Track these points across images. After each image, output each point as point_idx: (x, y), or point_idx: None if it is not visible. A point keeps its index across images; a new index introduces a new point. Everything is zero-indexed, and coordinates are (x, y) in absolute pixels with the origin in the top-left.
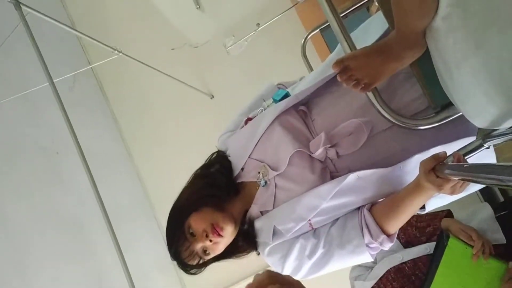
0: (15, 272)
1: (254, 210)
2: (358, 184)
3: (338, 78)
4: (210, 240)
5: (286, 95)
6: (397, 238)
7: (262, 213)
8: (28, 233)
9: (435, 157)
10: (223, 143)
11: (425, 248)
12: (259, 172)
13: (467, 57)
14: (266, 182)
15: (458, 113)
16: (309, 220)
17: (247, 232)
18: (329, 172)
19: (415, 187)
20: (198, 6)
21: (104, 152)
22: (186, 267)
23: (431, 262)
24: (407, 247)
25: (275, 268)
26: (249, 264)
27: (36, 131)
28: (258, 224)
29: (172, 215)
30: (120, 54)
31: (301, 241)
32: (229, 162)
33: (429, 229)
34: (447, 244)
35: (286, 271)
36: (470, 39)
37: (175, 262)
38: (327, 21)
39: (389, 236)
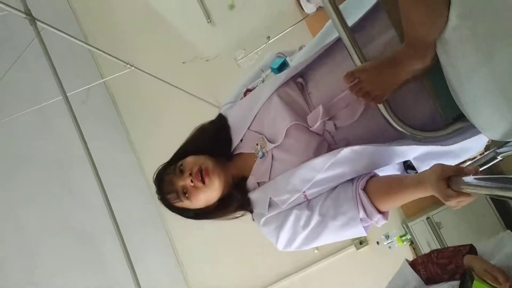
0: (27, 281)
1: (251, 181)
2: (351, 156)
3: (349, 91)
4: (191, 181)
5: (284, 63)
6: (417, 273)
7: (259, 184)
8: (40, 244)
9: (457, 168)
10: (224, 114)
11: (448, 287)
12: (257, 144)
13: (478, 69)
14: (263, 154)
15: (469, 124)
16: (304, 191)
17: (240, 196)
18: (327, 144)
19: (417, 185)
20: (209, 20)
21: (116, 164)
22: (161, 196)
23: None
24: (428, 284)
25: (270, 239)
26: (259, 276)
27: (49, 144)
28: (254, 195)
29: (175, 153)
30: (132, 68)
31: (296, 212)
32: (229, 131)
33: (451, 266)
34: None
35: (281, 241)
36: (480, 51)
37: (184, 273)
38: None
39: (382, 213)
